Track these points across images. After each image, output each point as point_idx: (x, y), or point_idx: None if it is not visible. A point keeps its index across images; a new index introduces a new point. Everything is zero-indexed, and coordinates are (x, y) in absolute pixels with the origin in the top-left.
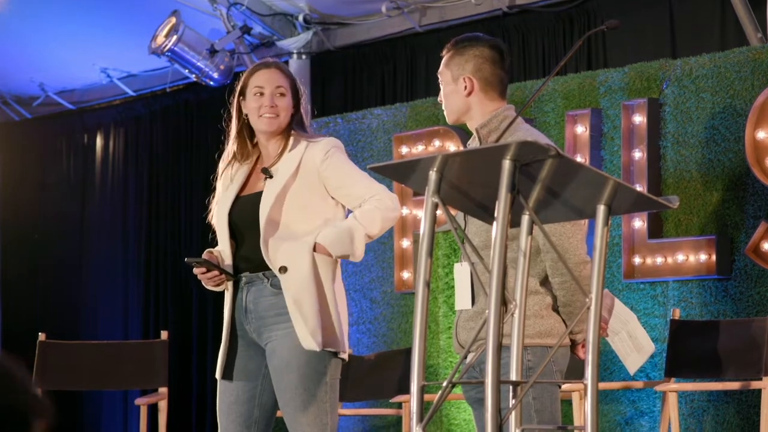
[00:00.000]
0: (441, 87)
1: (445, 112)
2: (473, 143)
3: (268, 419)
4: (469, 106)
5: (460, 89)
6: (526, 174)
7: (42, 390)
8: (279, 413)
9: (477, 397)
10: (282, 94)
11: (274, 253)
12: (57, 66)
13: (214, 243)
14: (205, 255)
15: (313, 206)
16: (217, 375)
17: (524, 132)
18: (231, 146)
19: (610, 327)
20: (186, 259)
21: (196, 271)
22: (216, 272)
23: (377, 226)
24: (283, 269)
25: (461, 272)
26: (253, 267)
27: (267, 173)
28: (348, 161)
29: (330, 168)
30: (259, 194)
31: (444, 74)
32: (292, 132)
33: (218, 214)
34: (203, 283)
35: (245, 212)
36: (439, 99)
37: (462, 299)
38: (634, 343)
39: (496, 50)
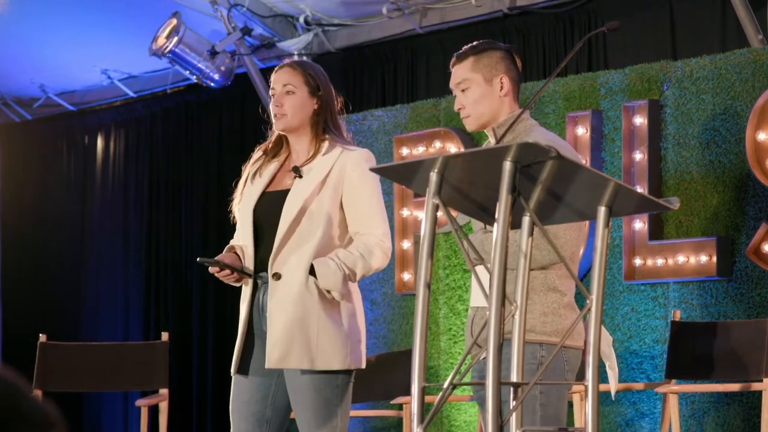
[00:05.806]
0: (464, 94)
1: (469, 119)
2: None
3: (281, 420)
4: (502, 107)
5: (495, 90)
6: (526, 175)
7: (43, 391)
8: (293, 414)
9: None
10: (290, 92)
11: (281, 257)
12: (57, 67)
13: (216, 243)
14: (226, 251)
15: (334, 214)
16: (232, 371)
17: (540, 134)
18: (268, 141)
19: (602, 351)
20: (198, 259)
21: (211, 270)
22: (228, 271)
23: (359, 275)
24: (277, 276)
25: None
26: None
27: (297, 172)
28: (376, 184)
29: (356, 182)
30: (286, 192)
31: (472, 79)
32: (327, 135)
33: (243, 208)
34: (222, 280)
35: (270, 209)
36: (457, 108)
37: (480, 296)
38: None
39: (513, 53)
